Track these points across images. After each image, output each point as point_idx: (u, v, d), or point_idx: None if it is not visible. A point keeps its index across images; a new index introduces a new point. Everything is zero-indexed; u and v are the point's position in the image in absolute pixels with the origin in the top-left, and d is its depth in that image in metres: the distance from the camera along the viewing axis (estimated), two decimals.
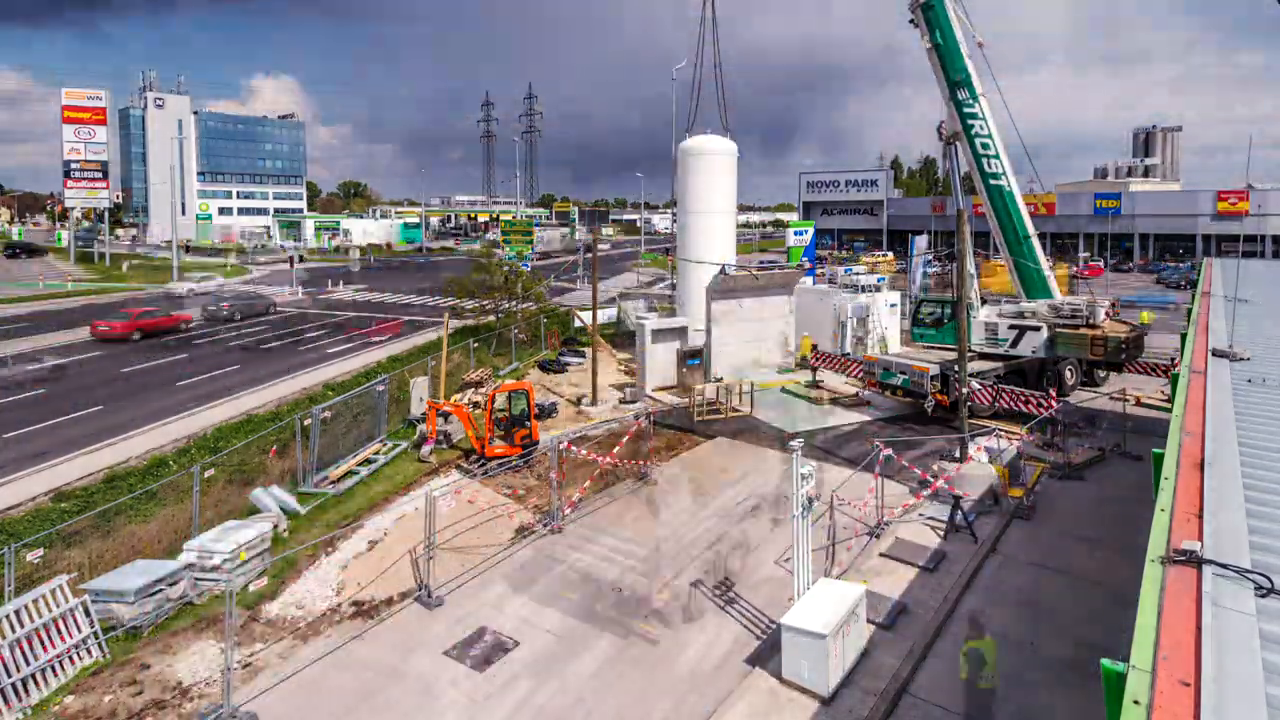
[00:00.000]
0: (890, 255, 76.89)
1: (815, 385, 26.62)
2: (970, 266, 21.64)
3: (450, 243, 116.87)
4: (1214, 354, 10.69)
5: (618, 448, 18.31)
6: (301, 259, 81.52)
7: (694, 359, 26.32)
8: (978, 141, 24.29)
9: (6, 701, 10.43)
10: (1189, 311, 16.30)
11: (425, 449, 20.43)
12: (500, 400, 20.30)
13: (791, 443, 12.21)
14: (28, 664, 10.79)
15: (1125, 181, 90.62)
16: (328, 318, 44.35)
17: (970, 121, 24.32)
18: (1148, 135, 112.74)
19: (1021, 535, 15.09)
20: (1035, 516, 15.87)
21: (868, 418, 23.53)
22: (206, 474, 16.65)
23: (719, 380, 24.91)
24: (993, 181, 24.44)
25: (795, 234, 47.55)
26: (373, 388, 22.03)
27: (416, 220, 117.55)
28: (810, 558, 11.68)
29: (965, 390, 19.02)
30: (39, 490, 18.10)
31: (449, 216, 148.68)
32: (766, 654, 11.18)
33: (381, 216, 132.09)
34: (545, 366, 30.76)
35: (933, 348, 25.33)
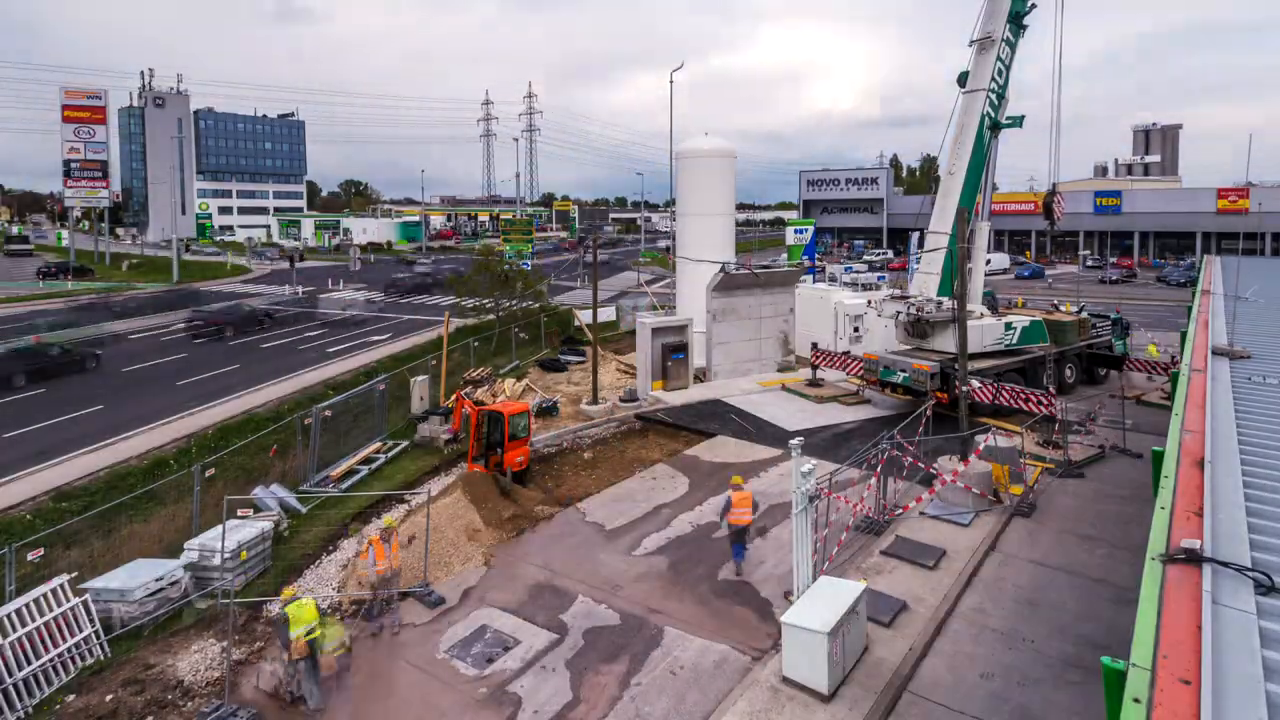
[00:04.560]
0: (891, 254, 76.83)
1: (816, 383, 26.64)
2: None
3: (450, 241, 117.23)
4: (1214, 352, 10.70)
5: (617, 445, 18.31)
6: (301, 257, 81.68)
7: (678, 354, 26.43)
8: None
9: (8, 700, 10.44)
10: (1189, 309, 16.28)
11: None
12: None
13: (792, 441, 12.21)
14: (29, 663, 10.81)
15: (1126, 179, 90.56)
16: (328, 316, 44.36)
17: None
18: (1148, 133, 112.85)
19: (1022, 533, 15.09)
20: (1035, 514, 15.87)
21: (868, 416, 23.54)
22: (207, 474, 16.66)
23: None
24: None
25: (795, 232, 47.61)
26: (373, 387, 22.04)
27: (416, 219, 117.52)
28: (810, 555, 11.69)
29: (965, 389, 19.02)
30: (39, 490, 18.11)
31: (450, 215, 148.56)
32: (767, 652, 11.19)
33: (382, 216, 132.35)
34: (545, 365, 30.80)
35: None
